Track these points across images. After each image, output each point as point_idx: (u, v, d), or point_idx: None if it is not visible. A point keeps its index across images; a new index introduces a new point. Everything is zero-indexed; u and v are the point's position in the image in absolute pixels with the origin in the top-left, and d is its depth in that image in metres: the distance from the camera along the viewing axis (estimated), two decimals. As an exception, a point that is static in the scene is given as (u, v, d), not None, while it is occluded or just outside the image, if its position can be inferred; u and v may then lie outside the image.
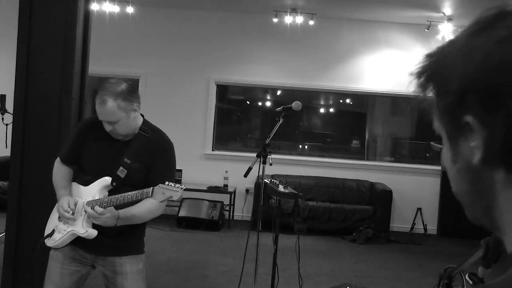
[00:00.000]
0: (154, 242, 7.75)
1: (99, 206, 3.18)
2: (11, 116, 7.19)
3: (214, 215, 9.34)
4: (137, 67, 10.35)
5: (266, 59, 10.52)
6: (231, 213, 10.03)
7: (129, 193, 3.15)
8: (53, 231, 3.35)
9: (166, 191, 3.05)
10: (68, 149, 3.47)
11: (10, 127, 7.34)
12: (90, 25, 5.13)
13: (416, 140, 11.17)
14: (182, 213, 9.33)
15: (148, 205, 3.21)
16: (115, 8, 9.79)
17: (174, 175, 3.36)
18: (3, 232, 7.25)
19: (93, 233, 3.22)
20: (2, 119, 7.60)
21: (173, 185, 3.06)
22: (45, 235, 3.39)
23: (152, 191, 3.07)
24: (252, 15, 10.33)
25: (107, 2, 9.63)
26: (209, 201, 9.51)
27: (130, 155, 3.23)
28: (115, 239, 3.30)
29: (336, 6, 9.52)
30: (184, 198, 9.34)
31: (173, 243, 8.18)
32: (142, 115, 3.39)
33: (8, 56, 9.02)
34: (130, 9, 9.85)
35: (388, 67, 10.44)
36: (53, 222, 3.40)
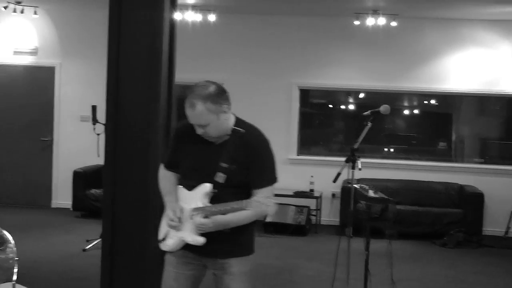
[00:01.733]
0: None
1: (204, 216, 3.21)
2: (102, 126, 7.45)
3: (300, 220, 9.33)
4: (219, 73, 10.44)
5: (347, 62, 10.44)
6: (318, 218, 9.98)
7: (228, 204, 3.15)
8: (166, 236, 3.41)
9: (261, 205, 3.05)
10: (169, 154, 3.53)
11: (101, 136, 7.61)
12: (175, 34, 5.22)
13: (506, 141, 10.79)
14: (268, 219, 9.36)
15: (246, 213, 3.22)
16: (197, 17, 9.95)
17: (274, 171, 3.34)
18: (99, 239, 7.52)
19: (200, 240, 3.25)
20: (94, 129, 7.85)
21: (267, 200, 3.06)
22: (158, 239, 3.45)
23: (247, 205, 3.08)
24: (332, 18, 10.27)
25: (190, 10, 9.80)
26: (295, 206, 9.50)
27: (226, 159, 3.22)
28: (225, 241, 3.32)
29: (418, 5, 9.34)
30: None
31: (261, 249, 8.15)
32: (235, 115, 3.38)
33: (99, 68, 9.35)
34: (212, 17, 9.99)
35: (474, 66, 10.15)
36: (165, 226, 3.45)
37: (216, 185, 3.24)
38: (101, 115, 7.38)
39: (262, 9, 10.09)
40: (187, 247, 3.35)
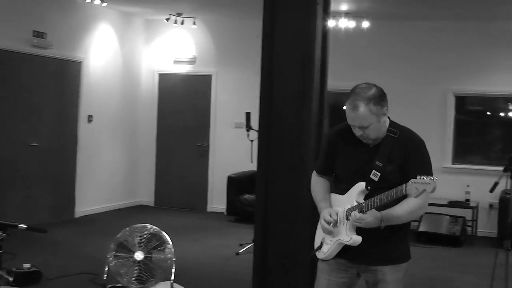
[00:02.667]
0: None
1: (359, 211, 3.17)
2: (256, 132, 7.62)
3: (455, 231, 8.99)
4: (372, 81, 10.31)
5: (506, 67, 9.91)
6: (474, 229, 9.57)
7: (384, 193, 3.10)
8: (322, 243, 3.42)
9: (419, 185, 2.94)
10: (322, 160, 3.54)
11: (255, 143, 7.79)
12: (328, 42, 5.23)
13: None
14: (422, 228, 9.11)
15: (409, 205, 3.16)
16: (350, 24, 9.90)
17: (430, 171, 3.23)
18: (251, 243, 7.68)
19: (357, 239, 3.21)
20: (248, 135, 8.05)
21: (425, 177, 2.94)
22: (314, 248, 3.46)
23: (405, 188, 3.00)
24: (489, 22, 9.81)
25: (343, 18, 9.78)
26: (450, 216, 9.17)
27: (381, 158, 3.19)
28: (379, 248, 3.28)
29: None
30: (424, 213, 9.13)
31: (413, 259, 7.97)
32: (388, 117, 3.34)
33: (252, 76, 9.57)
34: (365, 24, 9.90)
35: None
36: (320, 234, 3.45)
37: (369, 182, 3.21)
38: (255, 122, 7.58)
39: (416, 14, 9.84)
40: (340, 254, 3.33)
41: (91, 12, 10.04)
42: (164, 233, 5.89)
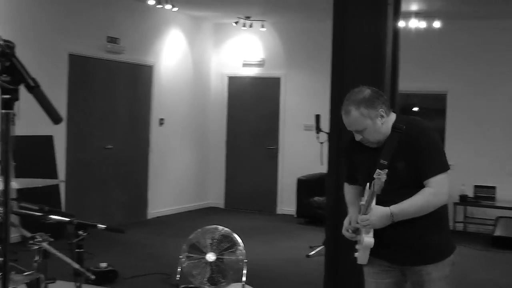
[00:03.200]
0: (466, 261, 7.47)
1: (362, 213, 3.17)
2: (326, 135, 7.60)
3: (533, 235, 8.72)
4: (443, 83, 10.16)
5: None
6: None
7: (370, 191, 3.09)
8: (357, 250, 3.42)
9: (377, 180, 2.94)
10: (347, 169, 3.56)
11: (324, 145, 7.78)
12: (399, 43, 5.17)
13: None
14: (497, 233, 8.86)
15: (419, 195, 3.10)
16: (421, 24, 9.74)
17: (442, 157, 3.18)
18: (322, 245, 7.66)
19: (368, 241, 3.17)
20: (317, 137, 8.03)
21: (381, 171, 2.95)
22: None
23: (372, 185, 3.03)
24: None
25: (413, 18, 9.63)
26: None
27: (386, 156, 3.09)
28: (416, 247, 3.23)
29: None
30: (499, 217, 8.89)
31: (487, 264, 7.81)
32: (395, 112, 3.29)
33: (322, 78, 9.55)
34: (436, 24, 9.72)
35: None
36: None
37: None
38: (325, 124, 7.56)
39: (490, 13, 9.60)
40: (381, 256, 3.29)
41: (162, 17, 10.23)
42: (235, 235, 5.95)
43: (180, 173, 10.98)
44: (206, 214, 10.95)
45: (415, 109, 10.66)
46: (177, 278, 5.99)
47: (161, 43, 10.38)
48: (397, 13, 5.15)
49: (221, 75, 11.71)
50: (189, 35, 11.03)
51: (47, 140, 8.20)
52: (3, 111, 1.56)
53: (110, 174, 9.42)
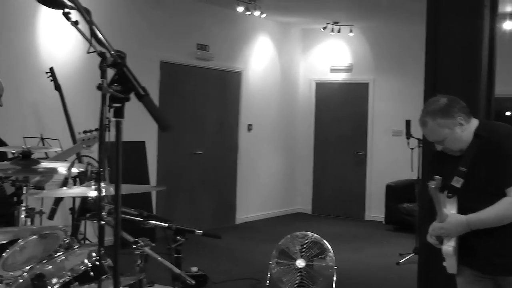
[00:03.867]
0: None
1: (439, 221, 3.13)
2: (416, 140, 7.47)
3: None
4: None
5: None
6: None
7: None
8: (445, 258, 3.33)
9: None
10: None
11: (415, 151, 7.65)
12: (495, 45, 5.01)
13: None
14: None
15: (500, 205, 3.00)
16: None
17: None
18: (412, 253, 7.53)
19: (446, 250, 3.12)
20: (408, 143, 7.88)
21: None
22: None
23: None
24: None
25: (508, 20, 9.33)
26: None
27: (465, 163, 3.05)
28: (507, 257, 3.12)
29: None
30: None
31: None
32: (479, 119, 3.21)
33: (411, 83, 9.40)
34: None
35: None
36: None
37: (451, 189, 3.10)
38: (415, 130, 7.42)
39: None
40: (472, 265, 3.20)
41: (250, 24, 10.33)
42: (325, 241, 5.93)
43: (268, 178, 11.04)
44: (294, 219, 10.96)
45: (508, 113, 10.31)
46: (266, 284, 6.03)
47: (250, 50, 10.48)
48: (494, 15, 4.99)
49: (309, 81, 11.70)
50: (277, 41, 11.08)
51: (140, 146, 8.42)
52: (114, 119, 1.61)
53: (199, 179, 9.57)
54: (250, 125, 10.49)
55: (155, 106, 1.58)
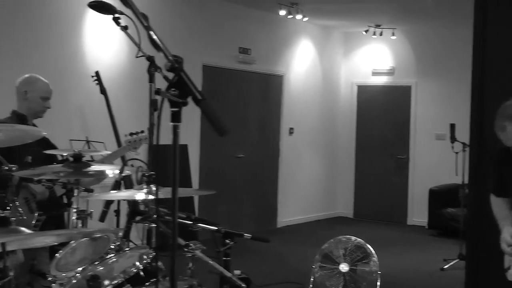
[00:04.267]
0: None
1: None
2: (461, 144, 7.37)
3: None
4: None
5: None
6: None
7: None
8: (510, 266, 3.25)
9: None
10: (495, 180, 3.40)
11: (459, 155, 7.54)
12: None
13: None
14: None
15: None
16: None
17: None
18: (456, 259, 7.42)
19: None
20: (452, 147, 7.78)
21: None
22: (504, 268, 3.31)
23: None
24: None
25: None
26: None
27: None
28: None
29: None
30: None
31: None
32: None
33: (455, 86, 9.28)
34: None
35: None
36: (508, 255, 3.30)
37: None
38: (459, 134, 7.33)
39: None
40: None
41: (292, 27, 10.33)
42: (369, 246, 5.88)
43: (309, 182, 11.01)
44: (335, 223, 10.91)
45: None
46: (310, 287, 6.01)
47: (291, 53, 10.48)
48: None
49: (351, 84, 11.65)
50: (318, 44, 11.06)
51: (182, 149, 8.48)
52: (172, 123, 1.63)
53: (241, 182, 9.60)
54: (291, 129, 10.48)
55: (212, 111, 1.59)
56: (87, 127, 7.16)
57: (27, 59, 6.53)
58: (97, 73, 6.75)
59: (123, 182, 5.10)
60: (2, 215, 2.02)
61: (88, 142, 6.62)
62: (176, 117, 1.62)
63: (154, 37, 1.67)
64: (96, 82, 6.73)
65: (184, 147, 8.49)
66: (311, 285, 6.01)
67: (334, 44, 11.51)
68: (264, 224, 9.95)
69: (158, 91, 1.60)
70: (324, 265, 5.88)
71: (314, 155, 11.15)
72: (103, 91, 6.72)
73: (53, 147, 4.43)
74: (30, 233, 2.12)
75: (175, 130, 1.64)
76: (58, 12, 6.99)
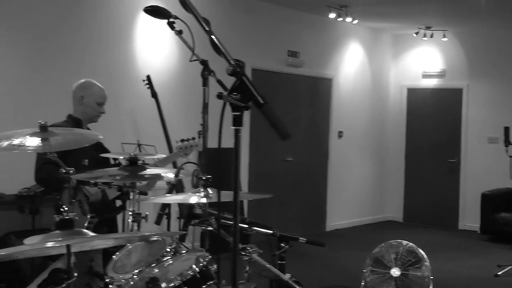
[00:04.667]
0: None
1: None
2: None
3: None
4: None
5: None
6: None
7: None
8: None
9: None
10: None
11: (514, 158, 7.39)
12: None
13: None
14: None
15: None
16: None
17: None
18: (510, 265, 7.27)
19: None
20: (506, 150, 7.63)
21: None
22: None
23: None
24: None
25: None
26: None
27: None
28: None
29: None
30: None
31: None
32: None
33: (509, 88, 9.09)
34: None
35: None
36: None
37: None
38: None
39: None
40: None
41: (341, 30, 10.27)
42: (421, 250, 5.79)
43: (358, 185, 10.93)
44: (385, 227, 10.79)
45: None
46: (360, 292, 5.96)
47: (340, 56, 10.42)
48: None
49: (400, 87, 11.52)
50: (367, 47, 10.98)
51: (232, 152, 8.50)
52: (234, 127, 1.63)
53: (289, 186, 9.59)
54: (340, 132, 10.43)
55: (274, 115, 1.59)
56: (138, 130, 7.25)
57: (80, 63, 6.66)
58: (148, 77, 6.84)
59: (174, 187, 5.16)
60: (66, 217, 2.05)
61: (139, 145, 6.70)
62: (237, 121, 1.63)
63: (216, 41, 1.67)
64: (147, 86, 6.81)
65: (234, 151, 8.52)
66: (361, 290, 5.96)
67: (384, 46, 11.40)
68: (313, 227, 9.91)
69: (220, 95, 1.60)
70: (375, 269, 5.82)
71: (363, 158, 11.06)
72: (154, 94, 6.79)
73: (106, 150, 4.49)
74: (93, 235, 2.16)
75: (237, 134, 1.65)
76: (110, 18, 7.10)
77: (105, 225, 4.27)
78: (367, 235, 9.66)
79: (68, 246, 1.82)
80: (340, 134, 10.42)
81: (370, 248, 5.88)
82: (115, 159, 4.59)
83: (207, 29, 1.74)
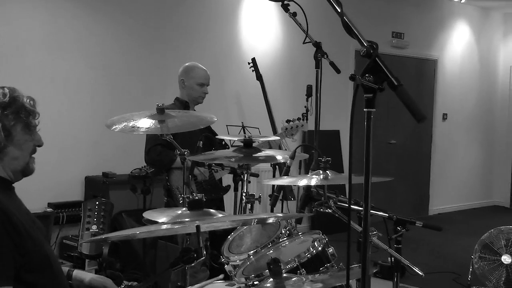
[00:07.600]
0: None
1: None
2: None
3: None
4: None
5: None
6: None
7: None
8: None
9: None
10: None
11: None
12: None
13: None
14: None
15: None
16: None
17: None
18: None
19: None
20: None
21: None
22: None
23: None
24: None
25: None
26: None
27: None
28: None
29: None
30: None
31: None
32: None
33: None
34: None
35: None
36: None
37: None
38: None
39: None
40: None
41: (447, 10, 9.98)
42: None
43: (464, 169, 10.64)
44: (491, 212, 10.47)
45: None
46: (468, 279, 5.81)
47: (446, 36, 10.13)
48: None
49: (510, 68, 11.07)
50: (475, 27, 10.60)
51: (335, 135, 8.47)
52: (366, 109, 1.62)
53: (393, 169, 9.44)
54: (445, 114, 10.16)
55: (409, 97, 1.56)
56: (243, 112, 7.33)
57: (187, 48, 6.80)
58: (253, 60, 6.87)
59: (278, 169, 5.18)
60: (196, 198, 2.11)
61: (244, 127, 6.77)
62: (370, 103, 1.61)
63: (349, 23, 1.66)
64: (252, 69, 6.86)
65: (336, 133, 8.48)
66: (469, 276, 5.81)
67: (493, 26, 10.97)
68: (416, 211, 9.75)
69: (353, 77, 1.59)
70: (484, 255, 5.66)
71: (469, 141, 10.74)
72: (259, 77, 6.83)
73: (214, 133, 4.59)
74: (221, 216, 2.20)
75: (369, 116, 1.63)
76: (215, 3, 7.19)
77: (213, 204, 4.36)
78: (472, 220, 9.40)
79: (198, 227, 1.87)
80: (444, 117, 10.16)
81: (476, 234, 5.74)
82: (224, 141, 4.68)
83: (338, 10, 1.73)
